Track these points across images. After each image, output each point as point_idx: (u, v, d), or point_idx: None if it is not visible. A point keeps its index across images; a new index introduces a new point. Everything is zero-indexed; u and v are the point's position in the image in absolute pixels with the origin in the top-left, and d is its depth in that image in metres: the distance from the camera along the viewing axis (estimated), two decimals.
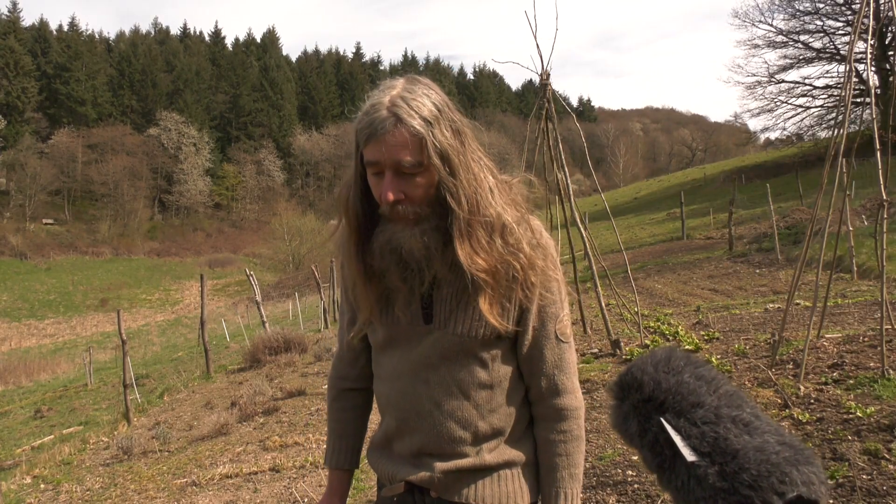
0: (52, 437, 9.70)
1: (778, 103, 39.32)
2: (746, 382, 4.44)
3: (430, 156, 1.21)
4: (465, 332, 1.30)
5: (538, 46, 6.09)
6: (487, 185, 1.29)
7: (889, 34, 32.28)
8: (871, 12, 4.72)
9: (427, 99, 1.23)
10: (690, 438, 0.86)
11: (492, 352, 1.33)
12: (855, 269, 9.14)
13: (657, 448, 0.89)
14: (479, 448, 1.32)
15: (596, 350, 6.46)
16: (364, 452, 1.52)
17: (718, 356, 5.32)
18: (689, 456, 0.85)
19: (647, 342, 6.20)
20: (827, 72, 38.05)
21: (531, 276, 1.30)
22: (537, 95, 6.51)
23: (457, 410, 1.31)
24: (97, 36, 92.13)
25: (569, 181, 6.55)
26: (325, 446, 1.57)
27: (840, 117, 4.36)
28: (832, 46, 36.64)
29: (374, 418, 1.52)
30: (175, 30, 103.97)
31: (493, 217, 1.27)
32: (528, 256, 1.30)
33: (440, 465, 1.31)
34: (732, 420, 0.86)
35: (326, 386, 1.53)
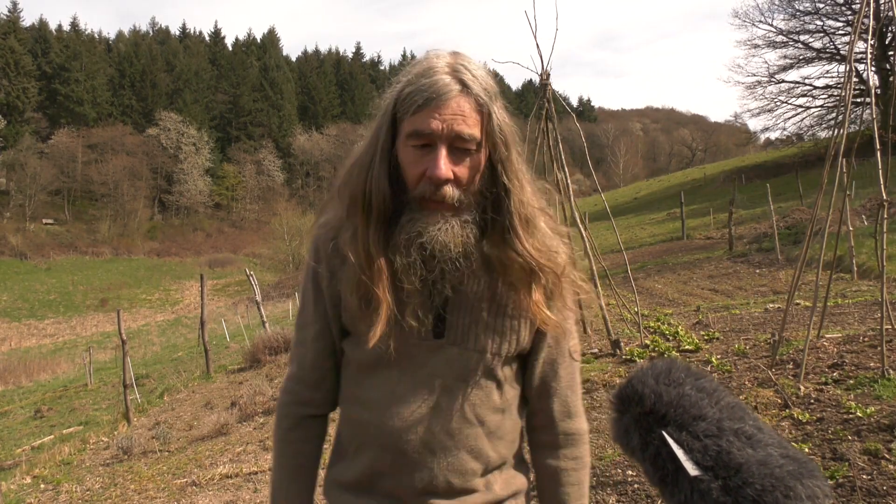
0: (52, 437, 9.70)
1: (778, 103, 39.34)
2: (746, 382, 4.44)
3: (491, 132, 1.08)
4: (488, 348, 1.14)
5: (538, 46, 6.10)
6: (529, 177, 1.17)
7: (889, 34, 32.28)
8: (871, 12, 4.72)
9: (483, 71, 1.10)
10: (693, 452, 0.84)
11: (508, 371, 1.18)
12: (855, 269, 9.13)
13: (659, 462, 0.88)
14: (487, 480, 1.17)
15: (596, 350, 6.46)
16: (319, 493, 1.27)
17: (718, 356, 5.32)
18: (692, 470, 0.83)
19: (647, 342, 6.19)
20: (827, 72, 38.08)
21: (564, 284, 1.17)
22: (537, 95, 6.51)
23: (470, 439, 1.13)
24: (97, 36, 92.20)
25: (569, 181, 6.55)
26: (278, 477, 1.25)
27: (840, 117, 4.36)
28: (832, 46, 36.64)
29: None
30: (174, 30, 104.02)
31: (538, 212, 1.16)
32: (564, 263, 1.17)
33: (435, 502, 1.13)
34: (735, 433, 0.85)
35: (276, 412, 1.27)
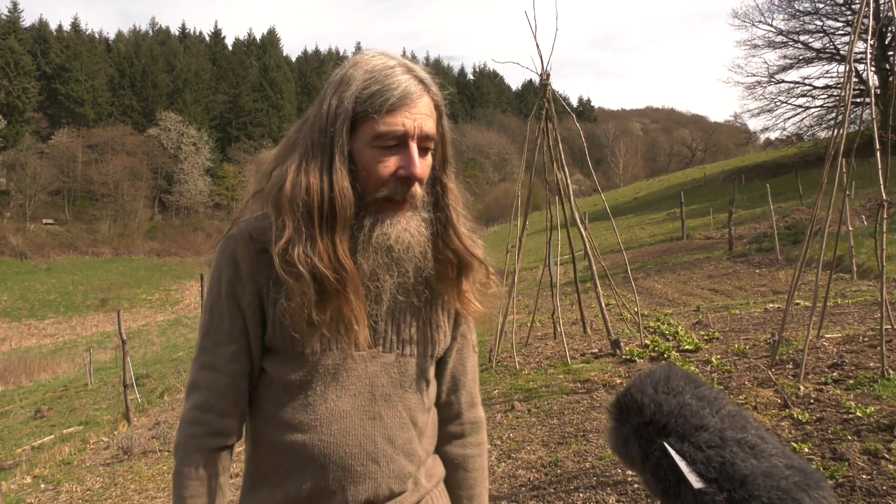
0: (52, 437, 9.70)
1: (778, 103, 39.37)
2: (746, 382, 4.44)
3: (442, 131, 1.10)
4: (421, 352, 1.14)
5: (538, 46, 6.10)
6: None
7: (889, 34, 32.27)
8: (871, 12, 4.72)
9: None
10: (696, 464, 0.82)
11: (433, 370, 1.20)
12: (855, 269, 9.14)
13: (661, 473, 0.85)
14: (415, 478, 1.16)
15: (596, 350, 6.46)
16: None
17: (718, 356, 5.32)
18: (695, 483, 0.81)
19: (647, 342, 6.20)
20: (827, 72, 38.11)
21: (479, 278, 1.19)
22: (537, 95, 6.52)
23: (407, 443, 1.12)
24: (97, 36, 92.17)
25: (569, 181, 6.56)
26: None
27: (840, 117, 4.36)
28: (832, 46, 36.66)
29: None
30: (174, 30, 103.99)
31: (463, 208, 1.18)
32: (480, 257, 1.18)
33: None
34: (738, 443, 0.83)
35: (178, 446, 1.10)
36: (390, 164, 1.04)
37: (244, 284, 1.08)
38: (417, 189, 1.07)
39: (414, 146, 1.04)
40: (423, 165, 1.06)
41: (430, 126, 1.06)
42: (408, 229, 1.06)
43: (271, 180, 1.09)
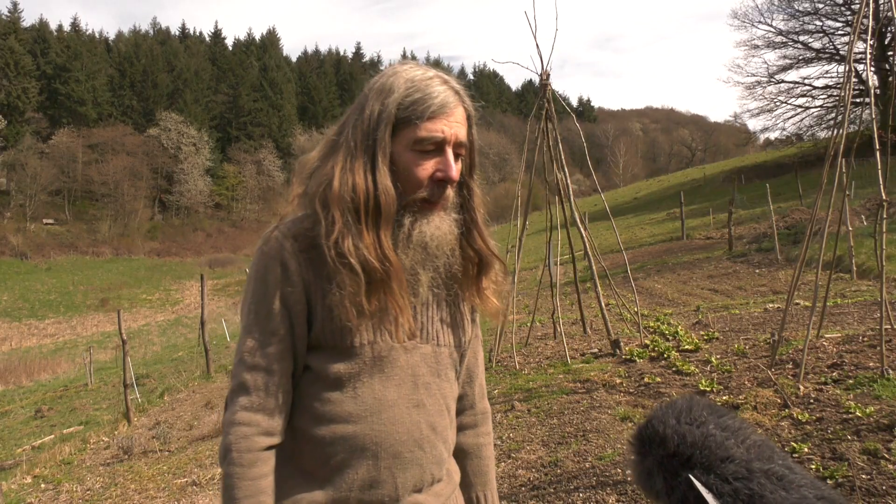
0: (52, 436, 9.71)
1: (777, 103, 39.36)
2: (746, 382, 4.44)
3: (472, 139, 1.19)
4: (453, 343, 1.23)
5: (538, 47, 6.10)
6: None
7: (888, 34, 32.25)
8: (871, 12, 4.72)
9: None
10: (723, 497, 0.80)
11: (460, 362, 1.29)
12: (854, 269, 9.14)
13: None
14: (447, 468, 1.23)
15: (596, 350, 6.47)
16: None
17: (718, 356, 5.33)
18: None
19: (647, 342, 6.20)
20: (826, 72, 38.10)
21: (497, 276, 1.27)
22: (537, 95, 6.52)
23: (445, 430, 1.20)
24: (97, 36, 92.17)
25: (569, 181, 6.56)
26: None
27: (840, 117, 4.37)
28: (832, 46, 36.65)
29: None
30: (175, 30, 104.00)
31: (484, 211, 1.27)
32: (499, 257, 1.27)
33: (422, 498, 1.16)
34: (766, 474, 0.81)
35: (228, 448, 1.10)
36: (428, 166, 1.13)
37: (293, 283, 1.11)
38: (450, 191, 1.16)
39: (450, 151, 1.13)
40: (457, 170, 1.15)
41: (463, 134, 1.16)
42: (441, 228, 1.14)
43: (315, 181, 1.16)
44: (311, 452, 1.13)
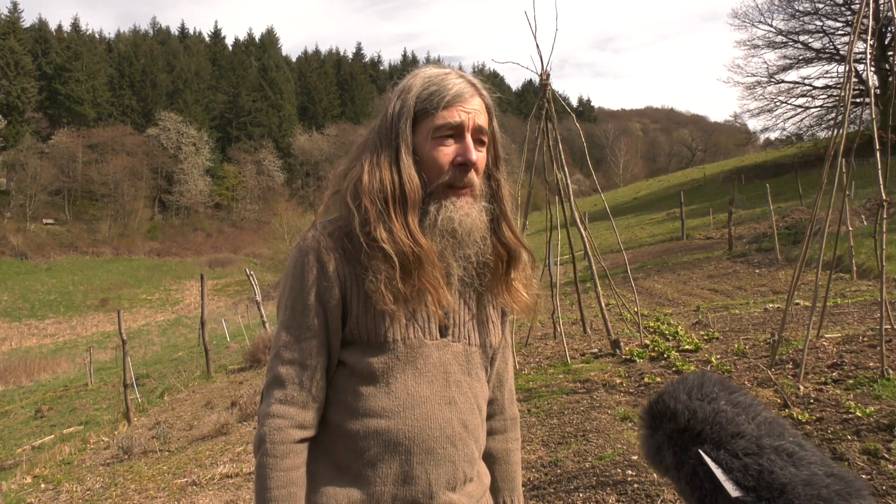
0: (52, 436, 9.71)
1: (777, 103, 39.31)
2: (746, 382, 4.44)
3: (493, 130, 1.22)
4: (484, 342, 1.24)
5: (538, 47, 6.10)
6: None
7: (889, 34, 32.25)
8: (871, 12, 4.72)
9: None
10: (733, 472, 0.80)
11: (489, 364, 1.29)
12: (854, 269, 9.14)
13: (696, 482, 0.83)
14: (478, 469, 1.24)
15: (596, 350, 6.47)
16: None
17: (718, 356, 5.33)
18: (732, 491, 0.79)
19: (647, 342, 6.20)
20: (826, 72, 38.04)
21: (527, 270, 1.27)
22: (537, 95, 6.52)
23: (476, 429, 1.21)
24: (97, 36, 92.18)
25: (569, 181, 6.56)
26: None
27: (840, 117, 4.37)
28: (832, 46, 36.63)
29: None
30: (174, 30, 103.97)
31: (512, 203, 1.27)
32: (529, 248, 1.27)
33: (454, 497, 1.16)
34: (776, 450, 0.81)
35: (262, 439, 1.13)
36: (449, 152, 1.16)
37: (330, 280, 1.15)
38: (474, 177, 1.17)
39: (469, 136, 1.16)
40: (478, 154, 1.17)
41: (482, 120, 1.18)
42: (469, 214, 1.16)
43: (346, 180, 1.21)
44: (345, 446, 1.14)
